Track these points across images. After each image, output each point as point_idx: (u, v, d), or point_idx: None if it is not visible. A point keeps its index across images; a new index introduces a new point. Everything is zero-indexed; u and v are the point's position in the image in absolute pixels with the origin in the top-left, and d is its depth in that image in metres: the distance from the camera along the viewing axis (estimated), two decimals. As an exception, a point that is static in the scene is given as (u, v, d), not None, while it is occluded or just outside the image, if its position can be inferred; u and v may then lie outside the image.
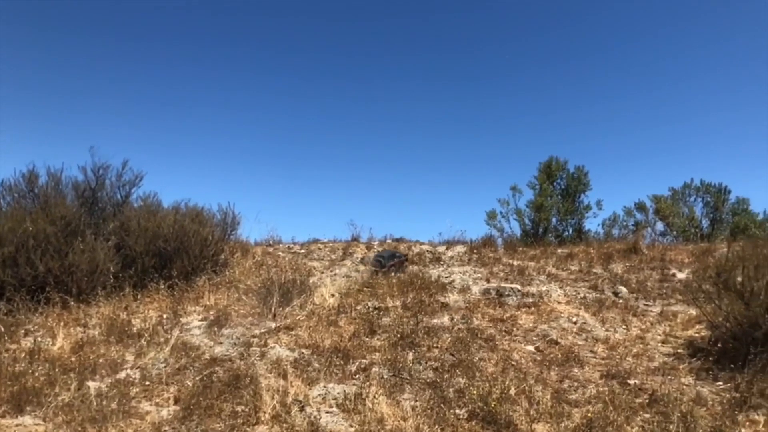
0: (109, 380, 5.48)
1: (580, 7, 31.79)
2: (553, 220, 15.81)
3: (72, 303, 7.52)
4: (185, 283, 8.54)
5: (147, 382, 5.45)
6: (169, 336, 6.63)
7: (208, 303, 7.98)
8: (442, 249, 11.54)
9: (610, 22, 31.37)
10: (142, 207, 9.32)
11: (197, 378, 5.54)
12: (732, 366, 5.78)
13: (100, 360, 5.91)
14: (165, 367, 5.83)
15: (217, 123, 31.94)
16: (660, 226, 15.05)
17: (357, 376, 5.76)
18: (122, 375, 5.62)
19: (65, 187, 8.96)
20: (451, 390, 5.38)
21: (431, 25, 32.91)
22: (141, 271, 8.45)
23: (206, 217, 9.79)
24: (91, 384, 5.35)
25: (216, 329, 6.99)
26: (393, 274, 9.68)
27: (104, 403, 4.91)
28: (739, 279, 6.27)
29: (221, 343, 6.61)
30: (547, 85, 32.91)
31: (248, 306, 7.84)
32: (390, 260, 10.00)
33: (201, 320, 7.38)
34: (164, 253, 8.65)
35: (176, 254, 8.66)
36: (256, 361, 6.05)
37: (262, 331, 6.97)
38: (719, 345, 6.28)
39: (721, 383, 5.60)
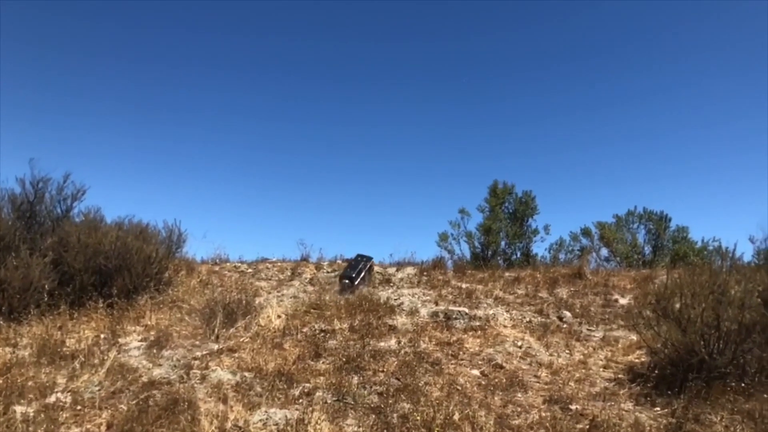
0: (38, 404, 5.21)
1: (530, 40, 32.72)
2: (502, 243, 16.03)
3: (2, 322, 7.17)
4: (126, 301, 8.26)
5: (78, 407, 5.21)
6: (106, 357, 6.38)
7: (149, 323, 7.73)
8: (392, 270, 11.51)
9: (557, 56, 32.37)
10: (84, 222, 9.00)
11: (133, 402, 5.33)
12: (669, 392, 5.92)
13: (29, 383, 5.62)
14: (99, 390, 5.59)
15: (166, 139, 31.26)
16: (604, 251, 15.44)
17: (300, 400, 5.64)
18: (52, 399, 5.35)
19: (1, 199, 8.59)
20: (395, 415, 5.32)
21: (381, 50, 33.28)
22: (79, 289, 8.14)
23: (151, 234, 9.53)
24: (18, 408, 5.07)
25: (156, 350, 6.76)
26: (366, 283, 9.92)
27: (30, 428, 4.68)
28: (677, 306, 6.45)
29: (161, 365, 6.39)
30: (500, 113, 33.62)
31: (191, 327, 7.63)
32: (359, 275, 10.02)
33: (141, 341, 7.13)
34: (105, 271, 8.35)
35: (117, 272, 8.37)
36: (196, 385, 5.87)
37: (204, 353, 6.78)
38: (658, 371, 6.43)
39: (658, 409, 5.72)
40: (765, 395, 5.57)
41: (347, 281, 9.91)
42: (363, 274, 10.13)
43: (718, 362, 5.92)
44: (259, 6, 31.72)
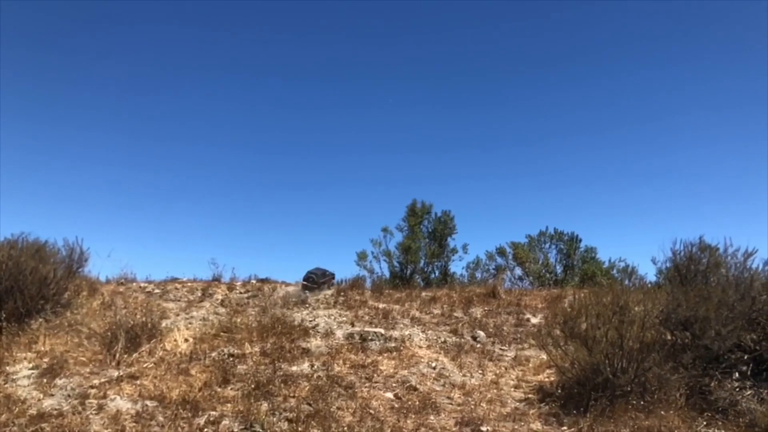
0: None
1: (447, 65, 33.64)
2: (422, 262, 16.14)
3: None
4: (17, 326, 7.66)
5: (-47, 445, 4.74)
6: (-10, 388, 5.86)
7: (42, 349, 7.19)
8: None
9: (474, 79, 33.43)
10: (-29, 240, 8.33)
11: (17, 438, 4.91)
12: (576, 411, 6.06)
13: None
14: (-22, 425, 5.11)
15: (66, 152, 29.43)
16: (518, 271, 15.86)
17: (205, 430, 5.38)
18: None
19: None
20: (304, 443, 5.16)
21: (306, 67, 33.17)
22: (-38, 313, 7.48)
23: (49, 252, 8.93)
24: None
25: (48, 379, 6.28)
26: (326, 289, 10.89)
27: None
28: (584, 326, 6.64)
29: (53, 395, 5.94)
30: (421, 135, 34.24)
31: (90, 352, 7.15)
32: (322, 278, 11.04)
33: (31, 369, 6.62)
34: (-7, 293, 7.73)
35: (8, 294, 7.77)
36: (91, 416, 5.49)
37: (103, 380, 6.36)
38: (566, 390, 6.58)
39: (565, 428, 5.84)
40: (663, 412, 5.80)
41: (315, 285, 10.85)
42: (326, 281, 11.12)
43: (621, 380, 6.13)
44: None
